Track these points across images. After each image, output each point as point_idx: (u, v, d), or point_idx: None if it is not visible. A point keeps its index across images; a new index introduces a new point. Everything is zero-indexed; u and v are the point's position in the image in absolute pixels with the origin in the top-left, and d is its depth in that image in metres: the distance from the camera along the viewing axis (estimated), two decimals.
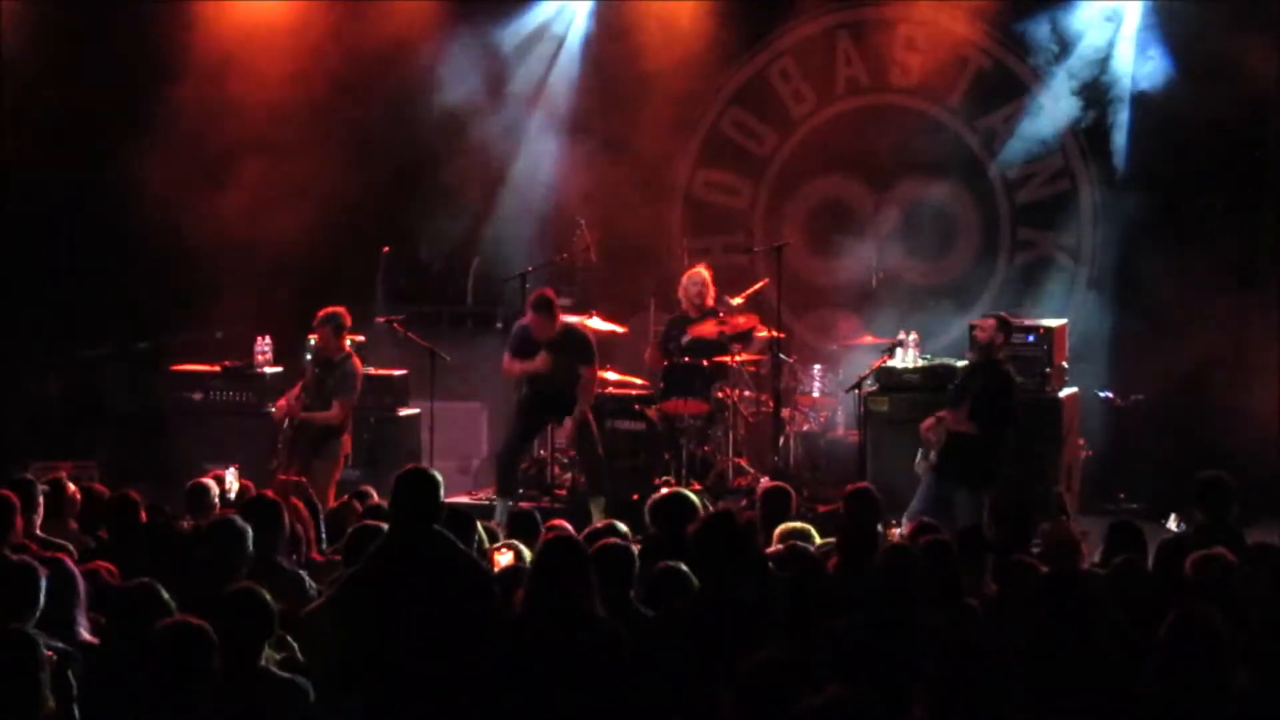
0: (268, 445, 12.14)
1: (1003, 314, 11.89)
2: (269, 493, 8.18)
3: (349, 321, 12.08)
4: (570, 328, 12.39)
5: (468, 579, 6.41)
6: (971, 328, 11.99)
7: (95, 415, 14.28)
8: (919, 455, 11.50)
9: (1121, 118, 14.39)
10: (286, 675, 5.91)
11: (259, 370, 13.06)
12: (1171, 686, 5.72)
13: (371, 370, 12.90)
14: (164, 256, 13.98)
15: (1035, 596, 6.16)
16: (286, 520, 7.48)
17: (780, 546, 7.93)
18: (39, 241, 14.14)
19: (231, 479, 9.79)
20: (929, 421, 11.51)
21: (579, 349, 12.30)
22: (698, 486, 11.91)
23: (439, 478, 6.63)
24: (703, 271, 13.14)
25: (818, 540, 8.27)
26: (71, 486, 8.81)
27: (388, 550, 6.48)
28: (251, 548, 7.02)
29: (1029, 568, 7.03)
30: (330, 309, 12.06)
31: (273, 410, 12.07)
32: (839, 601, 6.59)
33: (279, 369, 13.09)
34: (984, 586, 7.35)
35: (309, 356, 12.13)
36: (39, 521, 8.16)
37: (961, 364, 12.13)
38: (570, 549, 6.37)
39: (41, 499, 8.30)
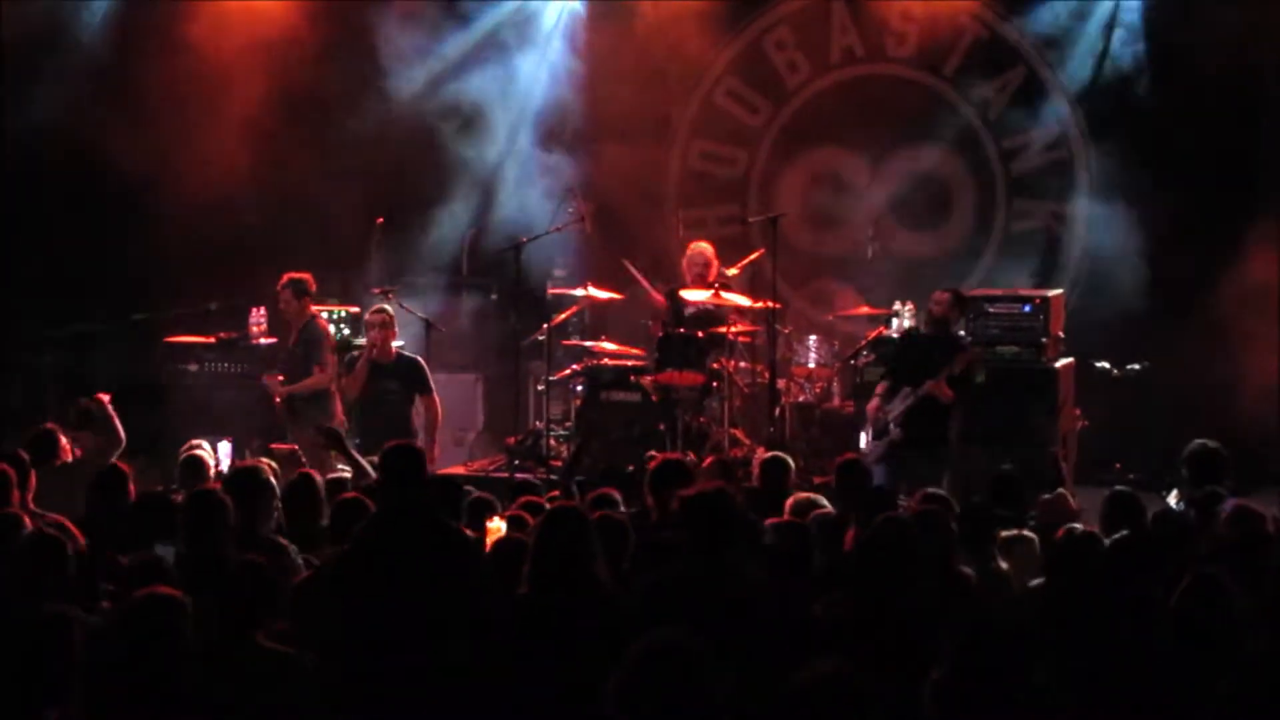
0: (262, 417, 12.13)
1: (957, 288, 11.98)
2: (258, 463, 8.15)
3: (312, 286, 12.11)
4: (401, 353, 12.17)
5: (455, 549, 6.41)
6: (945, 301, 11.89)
7: (89, 387, 14.21)
8: (865, 438, 11.53)
9: (1119, 86, 14.33)
10: (282, 649, 5.81)
11: (253, 342, 13.03)
12: (1183, 649, 5.72)
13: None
14: (158, 229, 13.92)
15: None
16: (272, 491, 7.46)
17: (795, 518, 7.83)
18: (32, 215, 14.09)
19: (224, 451, 9.74)
20: (874, 402, 11.64)
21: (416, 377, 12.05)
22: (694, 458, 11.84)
23: (423, 451, 6.79)
24: (704, 247, 13.01)
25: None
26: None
27: (377, 525, 6.49)
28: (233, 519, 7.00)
29: (1083, 538, 6.88)
30: (290, 274, 12.08)
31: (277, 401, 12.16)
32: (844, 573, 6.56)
33: (273, 340, 13.06)
34: (993, 562, 7.30)
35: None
36: (30, 497, 8.12)
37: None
38: (574, 517, 6.33)
39: (34, 474, 8.26)
